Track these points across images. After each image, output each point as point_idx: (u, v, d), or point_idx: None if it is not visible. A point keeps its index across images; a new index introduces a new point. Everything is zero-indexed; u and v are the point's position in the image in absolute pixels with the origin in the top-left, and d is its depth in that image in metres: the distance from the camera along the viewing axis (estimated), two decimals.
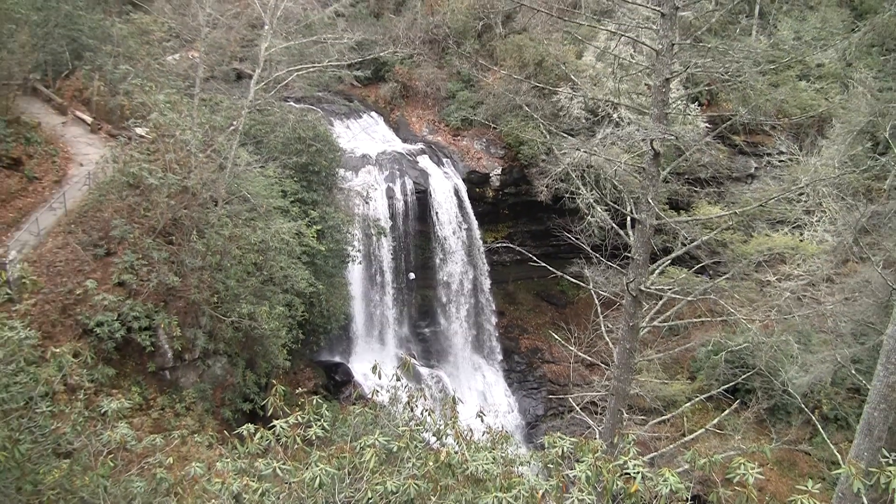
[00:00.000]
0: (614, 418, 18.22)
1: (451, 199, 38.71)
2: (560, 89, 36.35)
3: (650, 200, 16.35)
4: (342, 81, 38.75)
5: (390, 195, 36.88)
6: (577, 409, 22.18)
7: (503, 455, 10.75)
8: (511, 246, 31.18)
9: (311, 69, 28.57)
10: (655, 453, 19.78)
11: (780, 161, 44.13)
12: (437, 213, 38.35)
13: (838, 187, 36.47)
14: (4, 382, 11.52)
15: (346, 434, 10.83)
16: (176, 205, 22.32)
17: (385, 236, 35.55)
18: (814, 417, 22.09)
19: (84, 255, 21.76)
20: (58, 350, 12.77)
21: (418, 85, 43.85)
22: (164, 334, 21.65)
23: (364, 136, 39.78)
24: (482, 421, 12.37)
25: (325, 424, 9.74)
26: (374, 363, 11.99)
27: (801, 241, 37.72)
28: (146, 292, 21.23)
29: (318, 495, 8.76)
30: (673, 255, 18.17)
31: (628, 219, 17.92)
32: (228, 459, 10.08)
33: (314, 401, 10.15)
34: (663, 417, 21.44)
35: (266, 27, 25.56)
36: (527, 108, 31.73)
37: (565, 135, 27.16)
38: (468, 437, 11.28)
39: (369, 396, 22.82)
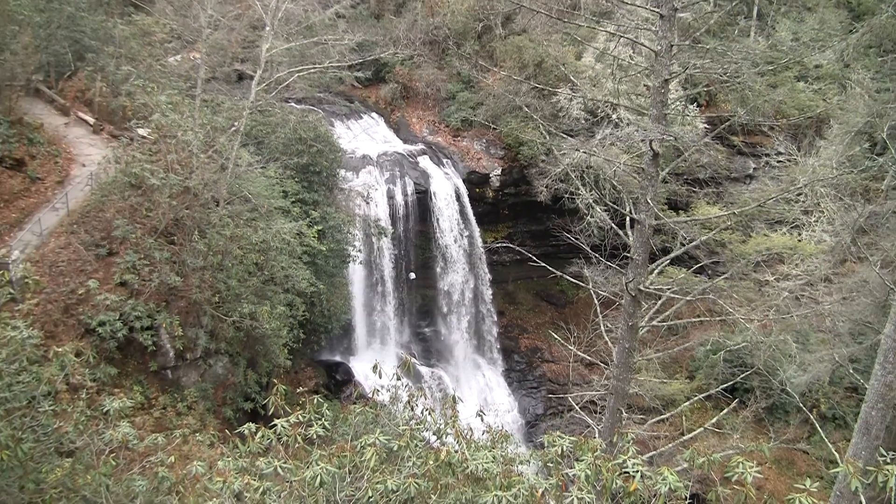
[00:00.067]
0: (613, 417, 18.31)
1: (451, 200, 38.81)
2: (559, 90, 36.41)
3: (649, 200, 16.44)
4: (343, 82, 38.79)
5: (391, 195, 36.97)
6: (577, 408, 22.25)
7: (503, 454, 10.74)
8: (511, 246, 31.22)
9: (312, 70, 28.60)
10: (654, 452, 19.84)
11: (779, 161, 44.23)
12: (437, 213, 38.46)
13: (836, 188, 36.52)
14: (7, 381, 11.54)
15: (346, 433, 10.84)
16: (178, 205, 22.36)
17: (385, 236, 35.62)
18: (812, 416, 22.14)
19: (86, 255, 21.80)
20: (60, 349, 12.83)
21: (419, 86, 43.93)
22: (166, 334, 21.70)
23: (365, 136, 39.86)
24: (482, 420, 12.39)
25: (325, 423, 9.75)
26: (374, 362, 12.02)
27: (800, 241, 37.80)
28: (148, 292, 21.27)
29: (319, 494, 8.76)
30: (672, 255, 18.26)
31: (627, 219, 17.99)
32: (230, 458, 10.07)
33: (315, 400, 10.15)
34: (662, 416, 21.56)
35: (267, 28, 25.61)
36: (526, 109, 31.76)
37: (565, 135, 27.20)
38: (468, 436, 11.32)
39: (370, 396, 23.08)
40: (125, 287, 21.36)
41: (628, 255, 17.34)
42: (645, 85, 34.73)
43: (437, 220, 38.50)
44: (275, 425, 9.46)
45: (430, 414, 11.33)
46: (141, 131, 24.61)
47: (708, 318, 26.19)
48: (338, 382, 34.64)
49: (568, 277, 20.67)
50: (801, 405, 25.55)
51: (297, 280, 25.32)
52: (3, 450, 10.69)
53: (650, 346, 31.57)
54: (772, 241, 36.79)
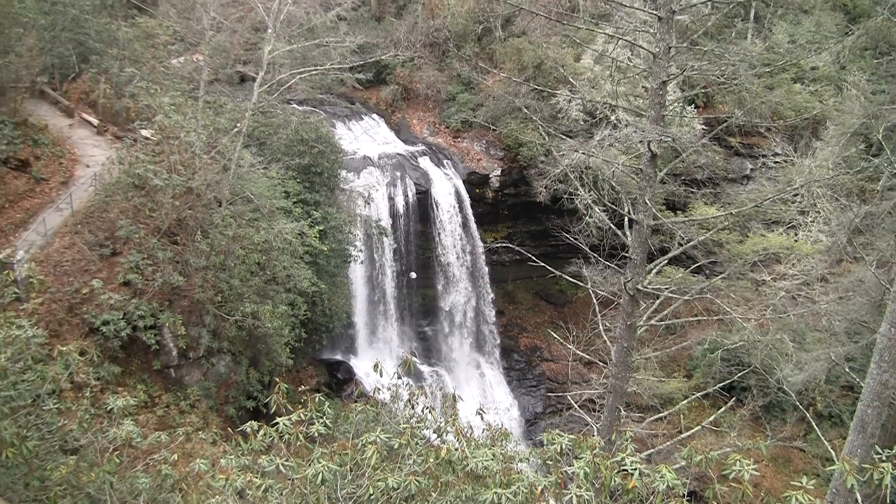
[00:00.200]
0: (612, 415, 18.47)
1: (451, 200, 38.97)
2: (559, 92, 36.52)
3: (647, 201, 16.59)
4: (344, 84, 38.86)
5: (391, 196, 37.13)
6: (576, 406, 22.42)
7: (503, 452, 10.70)
8: (510, 246, 31.35)
9: (314, 72, 28.70)
10: (652, 450, 20.01)
11: (776, 162, 44.32)
12: (437, 213, 38.61)
13: (832, 188, 36.58)
14: (12, 380, 11.61)
15: (347, 431, 10.75)
16: (180, 205, 22.44)
17: (386, 236, 35.77)
18: (808, 415, 22.27)
19: (90, 254, 21.89)
20: (64, 348, 12.99)
21: (419, 87, 44.06)
22: (169, 333, 21.81)
23: (366, 137, 40.01)
24: (482, 418, 12.46)
25: (327, 422, 9.73)
26: (375, 361, 12.06)
27: (796, 241, 37.85)
28: (151, 291, 21.37)
29: (321, 491, 8.75)
30: (670, 254, 18.43)
31: (626, 219, 18.08)
32: (232, 456, 10.12)
33: (317, 398, 10.15)
34: (660, 415, 21.67)
35: (269, 31, 25.71)
36: (526, 111, 31.94)
37: (564, 136, 27.30)
38: (468, 435, 11.46)
39: (371, 394, 23.22)
40: (129, 286, 21.48)
41: (627, 255, 17.49)
42: (643, 86, 34.79)
43: (438, 220, 38.65)
44: (277, 423, 9.48)
45: (430, 412, 11.34)
46: (144, 132, 24.68)
47: (705, 318, 26.26)
48: (339, 381, 34.79)
49: (567, 277, 20.79)
50: (797, 403, 25.66)
51: (299, 280, 25.44)
52: (9, 447, 10.75)
53: (648, 345, 31.71)
54: (769, 242, 36.87)
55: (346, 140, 37.42)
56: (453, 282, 40.29)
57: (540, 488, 8.58)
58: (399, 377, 12.26)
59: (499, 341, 42.65)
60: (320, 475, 8.42)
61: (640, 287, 17.15)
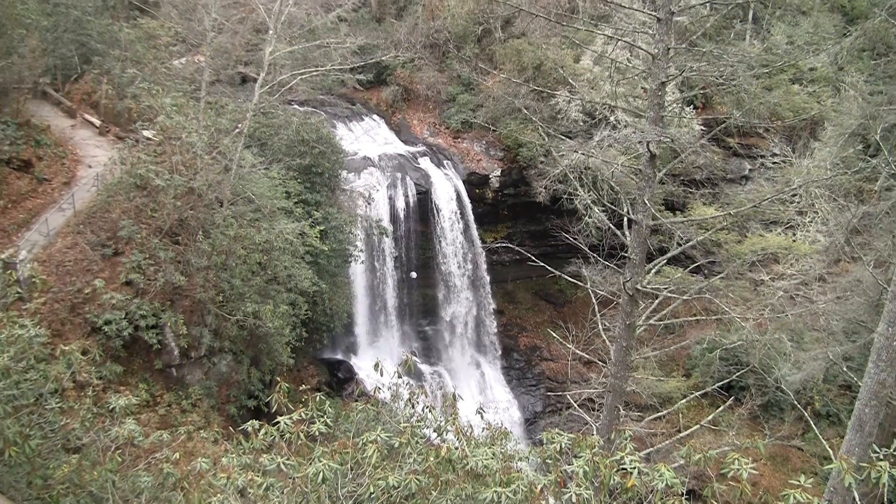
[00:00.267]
0: (611, 415, 18.55)
1: (451, 200, 39.06)
2: (558, 92, 36.64)
3: (646, 201, 16.68)
4: (345, 85, 38.93)
5: (392, 196, 37.22)
6: (575, 405, 22.45)
7: (502, 451, 10.64)
8: (510, 246, 31.40)
9: (315, 73, 28.79)
10: (651, 449, 20.14)
11: (774, 163, 44.38)
12: (437, 213, 38.70)
13: (830, 189, 36.70)
14: (15, 379, 11.59)
15: (348, 430, 10.77)
16: (182, 206, 22.52)
17: (387, 236, 35.83)
18: (806, 414, 22.28)
19: (92, 254, 21.96)
20: (67, 348, 12.99)
21: (419, 88, 44.12)
22: (171, 332, 21.89)
23: (366, 138, 40.04)
24: (482, 417, 12.49)
25: (328, 421, 9.72)
26: (376, 361, 12.18)
27: (794, 241, 37.91)
28: (153, 291, 21.46)
29: (322, 490, 8.70)
30: (669, 254, 18.51)
31: (625, 219, 18.13)
32: (233, 455, 10.04)
33: (317, 397, 10.15)
34: (659, 414, 21.76)
35: (270, 32, 25.75)
36: (526, 111, 32.02)
37: (563, 137, 27.39)
38: (468, 434, 11.49)
39: (371, 393, 23.28)
40: (131, 286, 21.56)
41: (626, 255, 17.58)
42: (642, 87, 34.87)
43: (438, 220, 38.74)
44: (278, 422, 9.49)
45: (430, 411, 11.39)
46: (146, 133, 24.72)
47: (704, 317, 26.34)
48: (340, 380, 34.86)
49: (566, 277, 20.85)
50: (795, 403, 25.71)
51: (300, 279, 25.50)
52: (11, 446, 10.77)
53: (647, 345, 31.80)
54: (767, 242, 36.94)
55: (346, 141, 37.45)
56: (453, 281, 40.37)
57: (539, 487, 8.62)
58: (399, 376, 12.34)
59: (499, 340, 42.72)
60: (321, 474, 8.39)
61: (639, 287, 17.24)
